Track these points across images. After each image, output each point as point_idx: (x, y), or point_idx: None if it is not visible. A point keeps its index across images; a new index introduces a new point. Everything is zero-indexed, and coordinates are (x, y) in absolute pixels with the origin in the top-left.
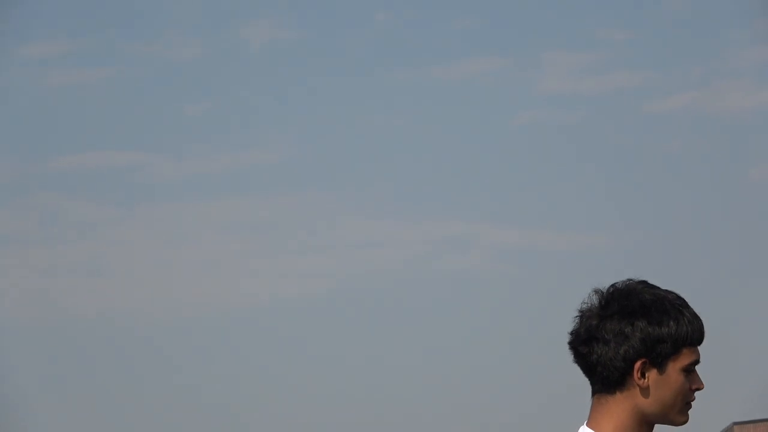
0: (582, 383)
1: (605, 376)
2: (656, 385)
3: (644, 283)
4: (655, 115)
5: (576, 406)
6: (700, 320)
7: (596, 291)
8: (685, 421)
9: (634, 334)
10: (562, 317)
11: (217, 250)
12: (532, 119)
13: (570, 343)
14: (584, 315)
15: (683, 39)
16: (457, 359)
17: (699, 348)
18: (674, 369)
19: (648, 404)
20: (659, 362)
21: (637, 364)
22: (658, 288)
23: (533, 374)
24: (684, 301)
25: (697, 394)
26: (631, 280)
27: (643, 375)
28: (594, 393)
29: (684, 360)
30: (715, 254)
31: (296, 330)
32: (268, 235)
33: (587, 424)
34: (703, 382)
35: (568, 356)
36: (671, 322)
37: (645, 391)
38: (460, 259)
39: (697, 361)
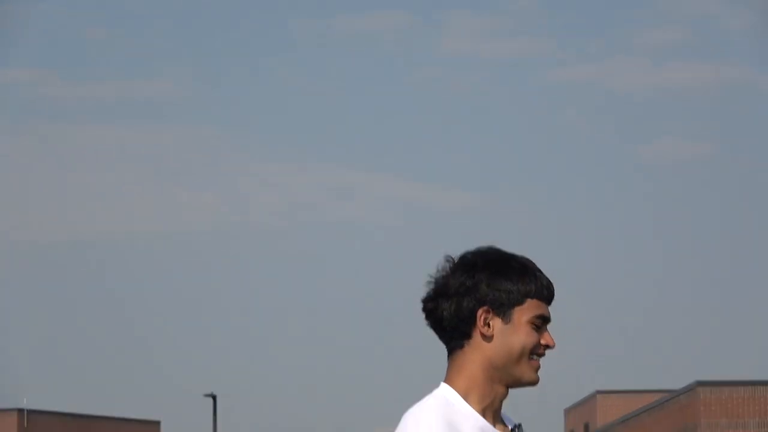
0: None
1: (453, 328)
2: (502, 333)
3: (495, 247)
4: (554, 83)
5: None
6: (549, 280)
7: (447, 258)
8: (535, 380)
9: (476, 286)
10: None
11: (109, 176)
12: (432, 76)
13: (422, 307)
14: (435, 278)
15: (588, 12)
16: (335, 305)
17: (549, 309)
18: (520, 319)
19: (495, 354)
20: (503, 311)
21: (480, 312)
22: (510, 253)
23: (408, 322)
24: (533, 263)
25: (561, 361)
26: (482, 246)
27: (486, 324)
28: (449, 352)
29: (530, 311)
30: (599, 224)
31: (175, 262)
32: (158, 165)
33: (444, 381)
34: (555, 342)
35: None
36: (514, 275)
37: (490, 340)
38: (345, 206)
39: (545, 318)
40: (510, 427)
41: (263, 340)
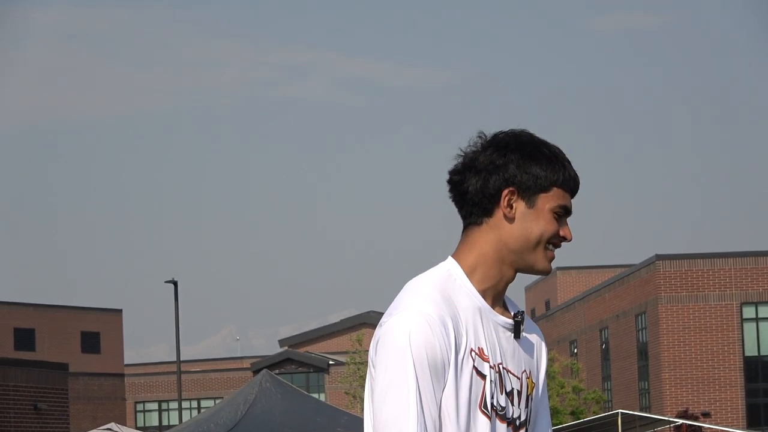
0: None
1: (475, 204)
2: (523, 217)
3: (528, 131)
4: None
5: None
6: (576, 172)
7: (479, 134)
8: (548, 269)
9: (505, 165)
10: (399, 149)
11: (53, 59)
12: None
13: (447, 179)
14: (465, 153)
15: None
16: (295, 189)
17: (572, 201)
18: (544, 206)
19: (512, 237)
20: (528, 195)
21: (505, 192)
22: (542, 138)
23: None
24: (563, 153)
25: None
26: (516, 128)
27: (510, 205)
28: (464, 227)
29: (555, 200)
30: (559, 96)
31: (129, 147)
32: (105, 47)
33: (452, 255)
34: (572, 235)
35: (399, 189)
36: (544, 162)
37: (510, 222)
38: (300, 86)
39: (567, 209)
40: (512, 312)
41: (222, 226)
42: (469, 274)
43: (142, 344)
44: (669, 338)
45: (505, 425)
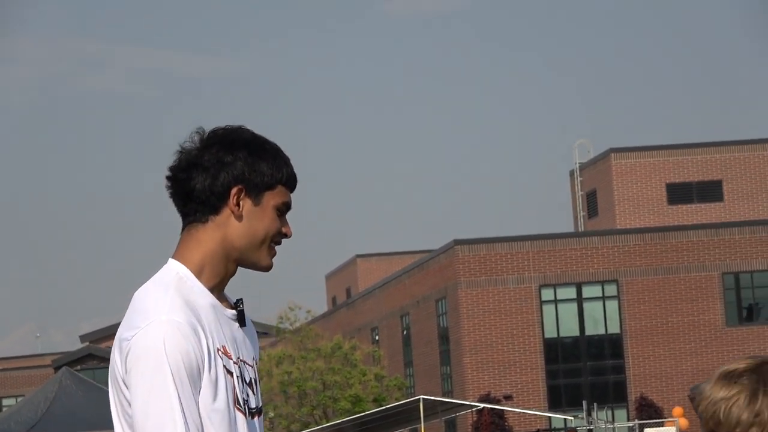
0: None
1: (202, 201)
2: (249, 215)
3: (245, 127)
4: None
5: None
6: (293, 168)
7: (198, 130)
8: (270, 266)
9: (234, 162)
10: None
11: None
12: None
13: (168, 175)
14: (185, 149)
15: None
16: (97, 181)
17: (291, 196)
18: (269, 203)
19: (238, 235)
20: (255, 193)
21: (234, 190)
22: (261, 135)
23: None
24: (281, 150)
25: (320, 226)
26: (232, 124)
27: (238, 203)
28: (185, 225)
29: (279, 197)
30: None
31: None
32: None
33: (173, 256)
34: (292, 231)
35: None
36: (269, 158)
37: (238, 219)
38: (98, 78)
39: (289, 206)
40: (233, 303)
41: (13, 223)
42: (198, 274)
43: None
44: (470, 323)
45: (251, 417)
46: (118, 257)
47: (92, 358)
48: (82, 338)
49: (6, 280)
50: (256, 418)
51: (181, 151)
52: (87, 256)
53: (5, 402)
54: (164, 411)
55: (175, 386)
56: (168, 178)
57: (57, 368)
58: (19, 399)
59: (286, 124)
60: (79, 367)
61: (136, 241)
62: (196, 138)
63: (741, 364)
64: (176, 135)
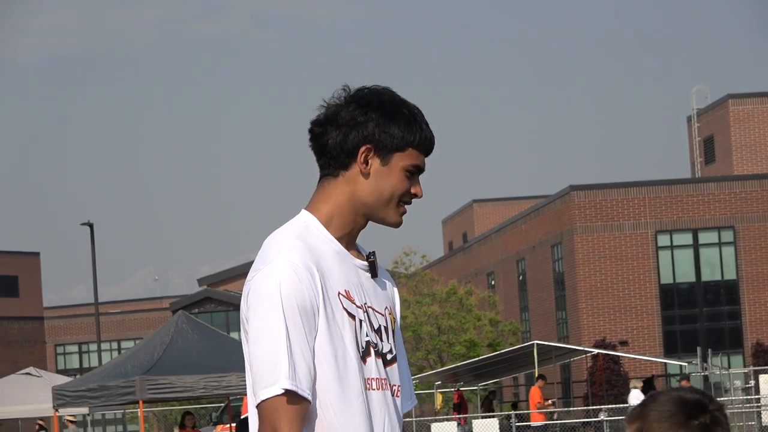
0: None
1: (333, 156)
2: (377, 174)
3: (390, 89)
4: None
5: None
6: (432, 133)
7: (344, 87)
8: (399, 223)
9: (365, 123)
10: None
11: None
12: None
13: (309, 128)
14: (328, 105)
15: None
16: (202, 125)
17: (426, 160)
18: (397, 164)
19: (366, 192)
20: (384, 153)
21: (362, 149)
22: (403, 98)
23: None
24: (422, 114)
25: (436, 172)
26: (379, 85)
27: (366, 161)
28: (321, 178)
29: (409, 159)
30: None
31: (48, 87)
32: None
33: (306, 208)
34: (422, 192)
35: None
36: (403, 122)
37: (365, 177)
38: (216, 22)
39: (421, 168)
40: (365, 255)
41: (137, 168)
42: (326, 224)
43: (64, 286)
44: (585, 268)
45: (380, 360)
46: (238, 203)
47: (210, 301)
48: (200, 281)
49: (126, 224)
50: (393, 364)
51: (323, 106)
52: (206, 201)
53: (124, 345)
54: (273, 346)
55: (285, 324)
56: (309, 130)
57: (174, 311)
58: (138, 341)
59: (413, 73)
60: (196, 310)
61: (258, 187)
62: (341, 95)
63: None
64: (308, 85)
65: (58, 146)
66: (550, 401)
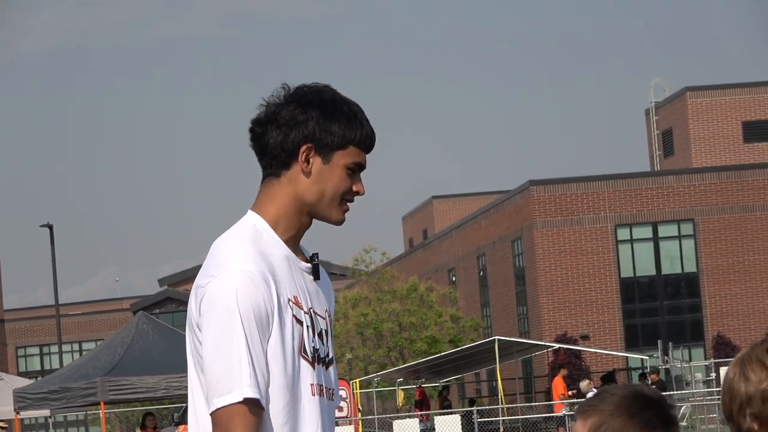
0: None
1: (274, 156)
2: (319, 173)
3: (331, 87)
4: None
5: None
6: (372, 131)
7: (284, 86)
8: (341, 221)
9: (306, 122)
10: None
11: None
12: None
13: (250, 128)
14: (268, 104)
15: None
16: (166, 124)
17: (366, 157)
18: (339, 163)
19: (308, 191)
20: (325, 152)
21: (303, 148)
22: (343, 96)
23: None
24: (362, 111)
25: (396, 169)
26: (319, 83)
27: (307, 161)
28: (263, 178)
29: (350, 157)
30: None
31: (7, 88)
32: None
33: (252, 209)
34: (365, 189)
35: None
36: (343, 120)
37: (307, 176)
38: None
39: (362, 166)
40: (308, 256)
41: (95, 168)
42: (274, 226)
43: (26, 288)
44: (545, 263)
45: (321, 366)
46: (198, 202)
47: (171, 301)
48: (161, 282)
49: (86, 225)
50: (329, 368)
51: (263, 105)
52: (168, 200)
53: (85, 346)
54: (232, 354)
55: (244, 332)
56: (249, 130)
57: (136, 312)
58: (99, 343)
59: (362, 67)
60: (157, 311)
61: (217, 186)
62: (281, 93)
63: None
64: (243, 76)
65: (15, 148)
66: (570, 392)
